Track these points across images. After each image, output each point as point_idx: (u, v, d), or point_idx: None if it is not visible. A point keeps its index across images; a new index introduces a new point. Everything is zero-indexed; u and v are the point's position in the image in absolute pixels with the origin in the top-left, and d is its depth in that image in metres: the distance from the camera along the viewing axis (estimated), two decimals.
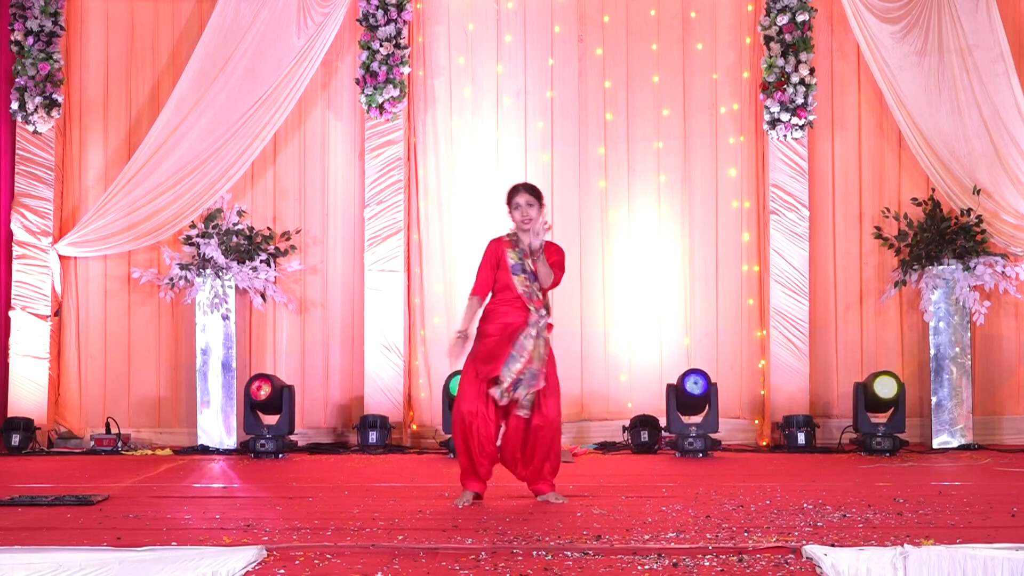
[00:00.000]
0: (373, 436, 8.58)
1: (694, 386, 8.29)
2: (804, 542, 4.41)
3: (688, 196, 9.24)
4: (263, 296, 8.98)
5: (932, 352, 8.57)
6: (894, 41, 8.81)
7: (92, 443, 8.86)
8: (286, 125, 9.21)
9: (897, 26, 8.83)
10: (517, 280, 5.83)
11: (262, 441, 8.34)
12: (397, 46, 8.99)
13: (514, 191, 5.95)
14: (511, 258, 5.87)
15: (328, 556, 4.29)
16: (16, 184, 9.22)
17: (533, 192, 5.93)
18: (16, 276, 9.16)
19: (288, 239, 9.15)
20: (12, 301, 9.14)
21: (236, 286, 8.78)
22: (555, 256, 5.90)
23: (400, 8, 8.99)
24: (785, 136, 8.87)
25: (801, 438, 8.43)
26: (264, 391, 8.39)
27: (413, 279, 9.25)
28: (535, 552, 4.33)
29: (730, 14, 9.23)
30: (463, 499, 5.79)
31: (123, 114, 9.42)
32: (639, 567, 4.06)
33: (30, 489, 6.44)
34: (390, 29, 8.95)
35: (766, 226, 8.98)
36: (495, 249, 5.95)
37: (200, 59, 9.02)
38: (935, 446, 8.46)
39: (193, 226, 8.95)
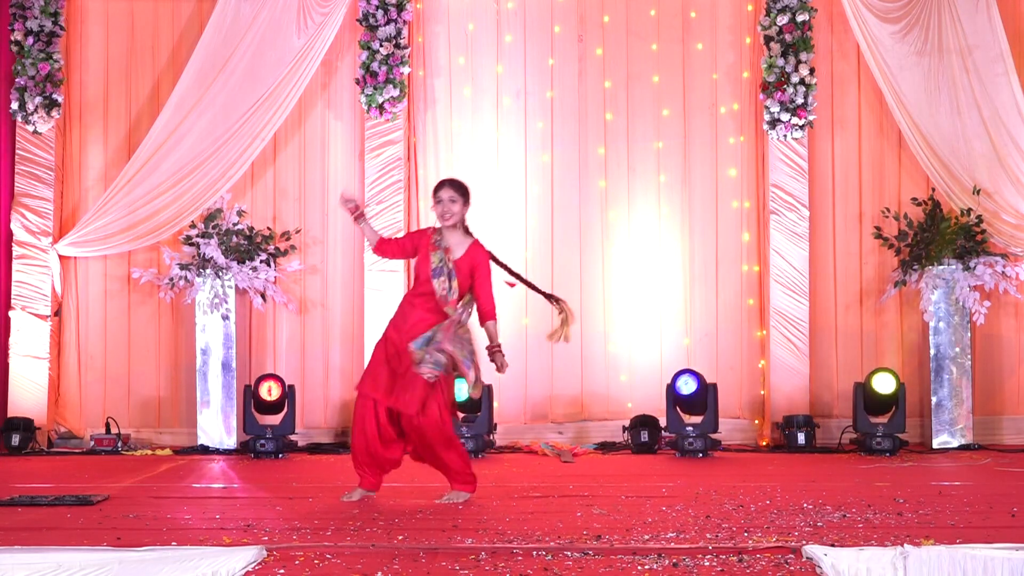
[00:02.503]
0: None
1: (685, 386, 8.30)
2: (804, 542, 4.41)
3: (688, 196, 9.24)
4: (263, 296, 8.98)
5: (932, 352, 8.57)
6: (894, 41, 8.82)
7: (92, 443, 8.86)
8: (286, 125, 9.21)
9: (897, 26, 8.83)
10: (436, 283, 5.82)
11: (262, 441, 8.34)
12: (397, 46, 8.99)
13: (439, 186, 6.01)
14: (433, 260, 5.85)
15: (328, 556, 4.29)
16: (16, 184, 9.22)
17: (457, 188, 5.99)
18: (16, 276, 9.15)
19: (288, 239, 9.15)
20: (12, 301, 9.14)
21: (236, 286, 8.78)
22: (481, 277, 5.87)
23: (400, 8, 8.99)
24: (785, 136, 8.87)
25: (801, 438, 8.43)
26: (275, 392, 8.40)
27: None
28: (535, 552, 4.33)
29: (730, 14, 9.23)
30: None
31: (123, 114, 9.42)
32: (639, 567, 4.06)
33: (30, 489, 6.44)
34: (390, 29, 8.95)
35: (766, 226, 8.98)
36: (419, 237, 6.04)
37: (200, 59, 9.02)
38: (935, 446, 8.46)
39: (193, 226, 8.95)
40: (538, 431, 9.03)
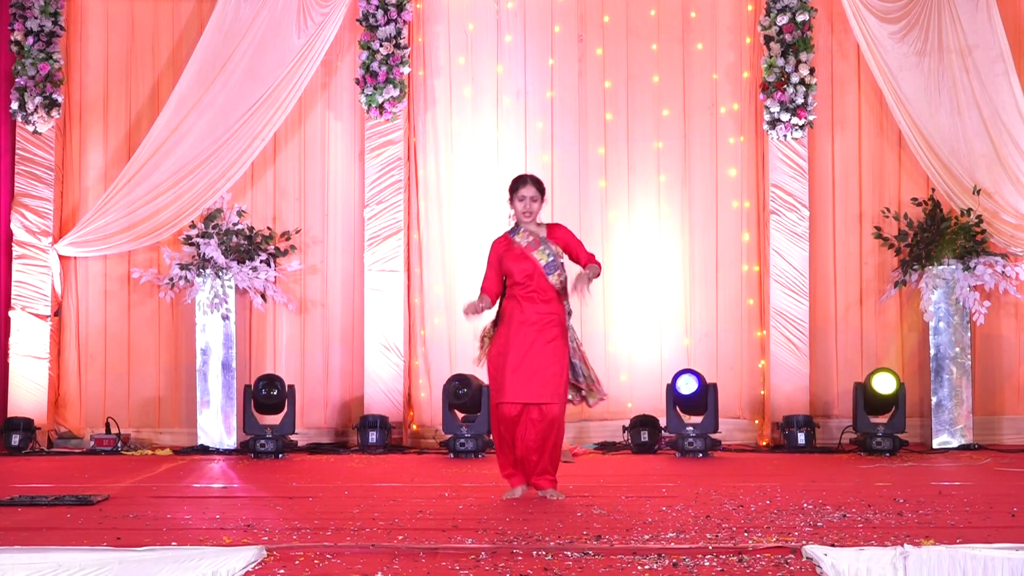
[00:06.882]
0: (373, 436, 8.58)
1: (685, 386, 8.30)
2: (804, 542, 4.41)
3: (688, 196, 9.24)
4: (263, 296, 8.98)
5: (932, 352, 8.57)
6: (894, 41, 8.82)
7: (92, 443, 8.86)
8: (286, 125, 9.21)
9: (897, 26, 8.83)
10: (552, 278, 5.93)
11: (262, 441, 8.34)
12: (397, 46, 8.99)
13: (521, 182, 6.02)
14: (540, 259, 5.93)
15: (328, 556, 4.29)
16: (16, 184, 9.22)
17: (538, 186, 6.04)
18: (16, 276, 9.16)
19: (288, 239, 9.15)
20: (12, 301, 9.14)
21: (236, 286, 8.79)
22: (574, 240, 6.07)
23: (400, 8, 8.99)
24: (785, 136, 8.87)
25: (801, 438, 8.43)
26: (275, 392, 8.40)
27: (413, 279, 9.25)
28: (535, 552, 4.33)
29: (730, 14, 9.23)
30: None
31: (123, 114, 9.42)
32: (639, 567, 4.06)
33: (30, 489, 6.44)
34: (390, 29, 8.96)
35: (766, 226, 8.98)
36: (501, 248, 6.04)
37: (200, 59, 9.02)
38: (935, 446, 8.46)
39: (193, 226, 8.95)
40: None
